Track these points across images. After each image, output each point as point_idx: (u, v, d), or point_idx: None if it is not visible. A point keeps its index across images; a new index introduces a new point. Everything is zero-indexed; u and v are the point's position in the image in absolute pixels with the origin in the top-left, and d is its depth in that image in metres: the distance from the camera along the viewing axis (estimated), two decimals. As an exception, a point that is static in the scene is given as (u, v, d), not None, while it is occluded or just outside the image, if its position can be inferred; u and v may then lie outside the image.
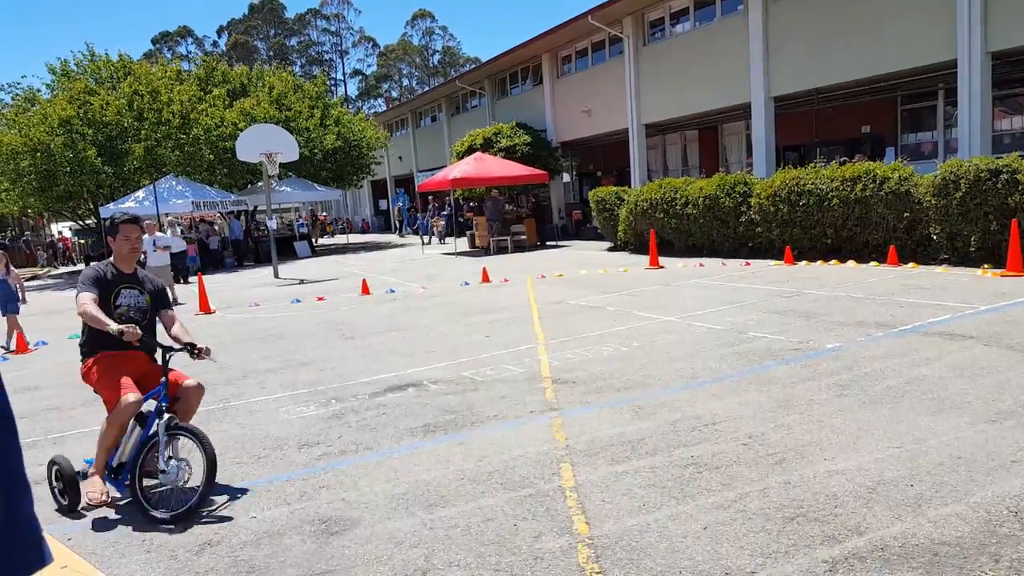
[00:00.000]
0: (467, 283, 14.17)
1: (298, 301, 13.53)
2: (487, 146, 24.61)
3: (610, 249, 19.38)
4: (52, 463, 4.35)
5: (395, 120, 43.00)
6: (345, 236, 40.63)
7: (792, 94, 17.79)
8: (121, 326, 4.07)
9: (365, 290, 13.82)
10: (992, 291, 8.72)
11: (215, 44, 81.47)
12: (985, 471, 3.75)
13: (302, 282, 17.37)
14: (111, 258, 4.54)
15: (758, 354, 6.61)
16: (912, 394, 5.11)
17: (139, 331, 4.10)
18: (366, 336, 9.20)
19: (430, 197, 32.55)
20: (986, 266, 10.52)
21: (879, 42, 15.10)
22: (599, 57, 24.38)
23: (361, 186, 37.73)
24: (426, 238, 29.81)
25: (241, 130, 21.70)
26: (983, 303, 8.01)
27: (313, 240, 32.18)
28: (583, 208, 25.59)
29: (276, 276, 18.75)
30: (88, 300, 4.20)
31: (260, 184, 24.08)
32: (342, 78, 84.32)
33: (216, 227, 28.22)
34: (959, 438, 4.22)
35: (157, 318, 4.58)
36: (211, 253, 24.74)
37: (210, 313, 12.73)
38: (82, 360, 4.44)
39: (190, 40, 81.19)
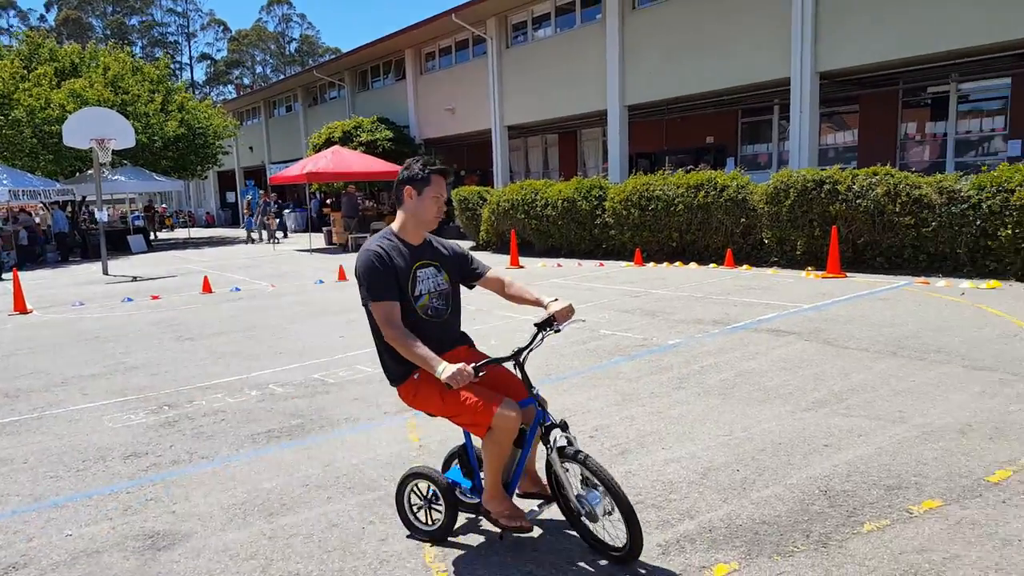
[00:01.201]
0: (322, 281, 13.73)
1: (130, 300, 12.53)
2: (346, 140, 24.00)
3: (473, 248, 19.47)
4: (414, 477, 3.38)
5: (247, 108, 40.99)
6: (187, 230, 38.20)
7: (645, 103, 18.69)
8: (452, 372, 2.78)
9: (207, 288, 13.04)
10: (814, 291, 9.56)
11: (42, 19, 74.14)
12: (801, 454, 4.09)
13: (135, 279, 16.11)
14: (394, 227, 3.15)
15: (607, 351, 6.85)
16: (742, 386, 5.49)
17: (471, 369, 2.81)
18: (206, 337, 8.66)
19: (261, 192, 31.13)
20: (810, 268, 11.54)
21: (725, 58, 16.18)
22: (463, 56, 24.48)
23: (206, 177, 35.57)
24: (255, 235, 27.56)
25: (70, 113, 19.81)
26: (806, 302, 8.77)
27: (150, 234, 29.94)
28: (447, 207, 25.55)
29: (105, 272, 17.28)
30: (396, 319, 2.94)
31: (90, 172, 22.11)
32: (188, 62, 79.44)
33: (38, 219, 25.60)
34: (780, 425, 4.57)
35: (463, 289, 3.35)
36: (23, 249, 22.17)
37: (26, 313, 11.52)
38: (395, 383, 3.19)
39: (12, 13, 73.43)
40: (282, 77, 54.06)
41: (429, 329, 3.07)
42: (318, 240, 24.19)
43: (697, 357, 6.44)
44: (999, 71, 15.16)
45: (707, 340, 7.08)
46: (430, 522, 3.35)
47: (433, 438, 4.70)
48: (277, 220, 27.86)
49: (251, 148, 38.88)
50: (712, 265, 12.87)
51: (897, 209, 10.52)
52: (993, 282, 9.36)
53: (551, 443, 3.05)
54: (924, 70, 15.55)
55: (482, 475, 3.14)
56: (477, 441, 3.16)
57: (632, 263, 13.89)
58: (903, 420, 4.56)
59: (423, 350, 2.88)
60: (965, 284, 9.41)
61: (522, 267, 14.29)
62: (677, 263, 13.46)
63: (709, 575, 2.93)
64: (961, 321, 7.28)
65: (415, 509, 3.43)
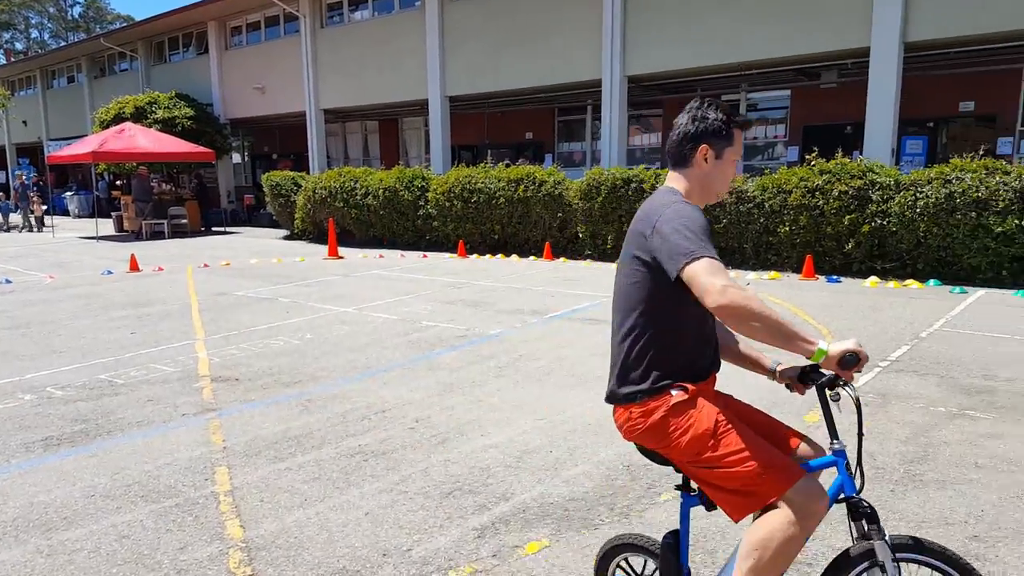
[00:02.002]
0: (110, 271, 12.48)
1: None
2: (140, 116, 21.90)
3: (287, 237, 18.66)
4: (617, 549, 2.35)
5: (19, 77, 36.26)
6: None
7: (466, 96, 18.85)
8: (850, 346, 1.84)
9: (-23, 280, 11.42)
10: (623, 281, 10.18)
11: None
12: (607, 433, 4.33)
13: None
14: (677, 188, 2.13)
15: (429, 342, 6.85)
16: (557, 372, 5.71)
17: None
18: (-25, 335, 7.57)
19: (34, 172, 27.80)
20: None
21: (542, 57, 16.71)
22: (274, 33, 23.24)
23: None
24: (21, 220, 23.72)
25: None
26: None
27: None
28: (257, 192, 24.22)
29: None
30: (730, 279, 1.82)
31: None
32: (-56, 21, 68.68)
33: None
34: (591, 408, 4.81)
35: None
36: None
37: None
38: (637, 400, 2.06)
39: None
40: (63, 44, 48.23)
41: (711, 333, 2.16)
42: (107, 227, 21.88)
43: (517, 346, 6.61)
44: (781, 83, 16.99)
45: (526, 329, 7.29)
46: None
47: (239, 439, 4.44)
48: (44, 206, 24.46)
49: (24, 122, 34.42)
50: (532, 257, 13.29)
51: (695, 206, 11.45)
52: (774, 274, 10.49)
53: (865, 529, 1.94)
54: (719, 79, 17.06)
55: None
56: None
57: (456, 255, 14.00)
58: (697, 398, 4.98)
59: (786, 317, 1.86)
60: (751, 276, 10.46)
61: (342, 257, 13.92)
62: (500, 255, 13.76)
63: (522, 553, 3.01)
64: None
65: None
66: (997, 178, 8.88)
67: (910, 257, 9.74)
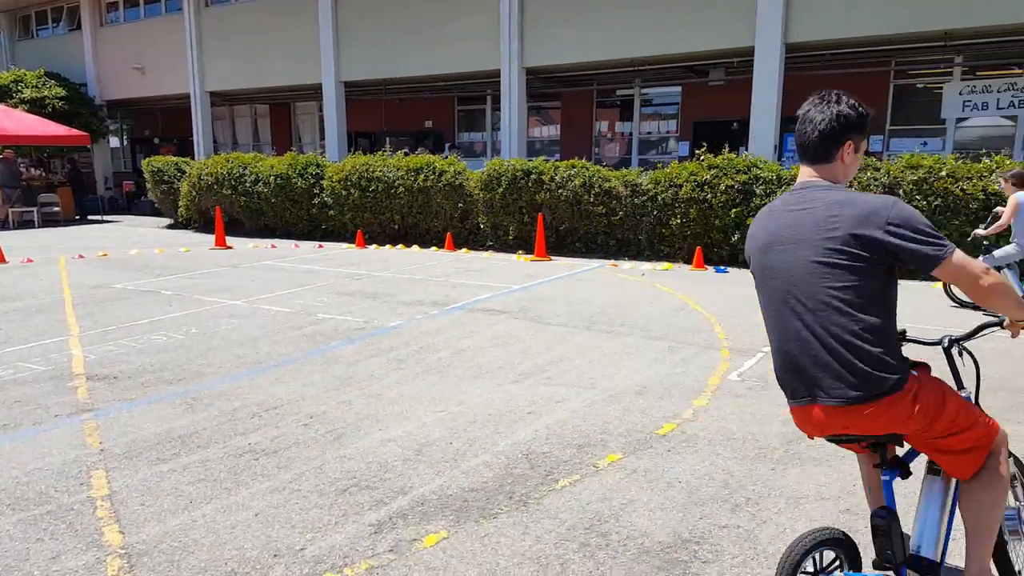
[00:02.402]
0: (-23, 264, 11.47)
1: None
2: (4, 95, 20.21)
3: (170, 226, 17.70)
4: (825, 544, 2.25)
5: None
6: None
7: (363, 81, 18.44)
8: None
9: None
10: (523, 273, 10.27)
11: None
12: (508, 423, 4.36)
13: None
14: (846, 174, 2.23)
15: (325, 335, 6.67)
16: (457, 363, 5.69)
17: None
18: None
19: None
20: (521, 252, 12.37)
21: (440, 45, 16.55)
22: (154, 9, 21.90)
23: None
24: None
25: None
26: (517, 283, 9.38)
27: None
28: (137, 179, 22.82)
29: None
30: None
31: None
32: None
33: None
34: (491, 398, 4.83)
35: None
36: None
37: None
38: (884, 392, 2.04)
39: None
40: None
41: None
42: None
43: (416, 338, 6.54)
44: (673, 80, 17.57)
45: (426, 321, 7.23)
46: None
47: (118, 440, 4.17)
48: None
49: None
50: (433, 248, 13.19)
51: (592, 199, 11.70)
52: (667, 264, 10.87)
53: None
54: (615, 74, 17.46)
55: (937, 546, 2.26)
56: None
57: (354, 245, 13.69)
58: (594, 386, 5.08)
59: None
60: (646, 266, 10.79)
61: (230, 248, 13.33)
62: (400, 245, 13.57)
63: (420, 546, 2.98)
64: (641, 298, 8.33)
65: None
66: (868, 174, 9.53)
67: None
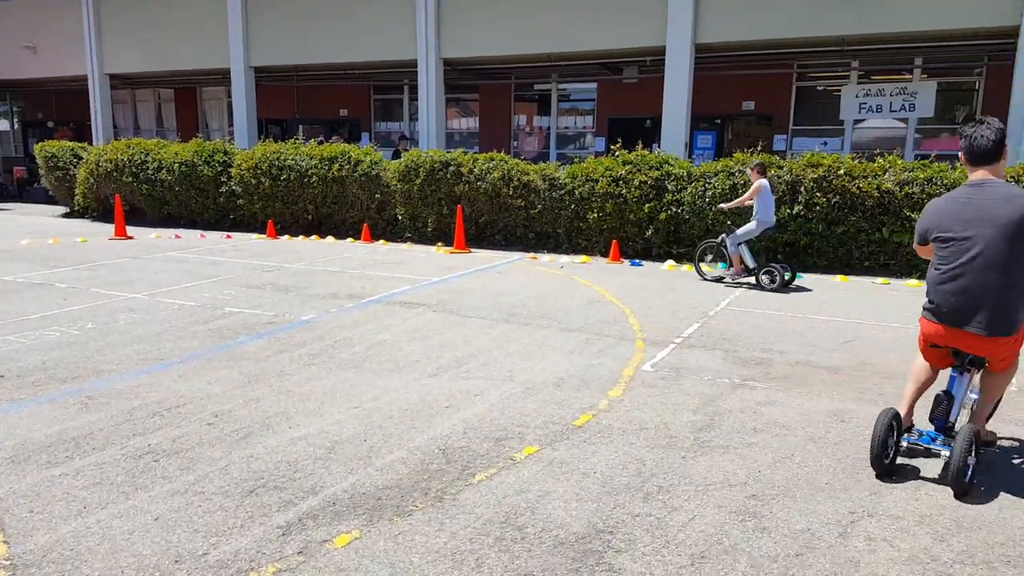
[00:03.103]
0: None
1: None
2: None
3: (66, 215, 16.65)
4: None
5: None
6: None
7: (274, 67, 17.84)
8: None
9: None
10: (443, 265, 10.19)
11: None
12: (424, 417, 4.30)
13: None
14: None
15: (233, 330, 6.41)
16: (374, 358, 5.59)
17: None
18: None
19: None
20: (440, 244, 12.27)
21: (354, 32, 16.18)
22: (49, -15, 20.51)
23: None
24: None
25: None
26: (435, 276, 9.29)
27: None
28: (30, 164, 21.35)
29: None
30: None
31: None
32: None
33: None
34: (408, 393, 4.75)
35: None
36: None
37: None
38: (1012, 330, 3.43)
39: None
40: None
41: None
42: None
43: (331, 332, 6.38)
44: (588, 76, 17.80)
45: (341, 315, 7.06)
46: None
47: (4, 443, 3.88)
48: None
49: None
50: (350, 239, 12.91)
51: (511, 192, 11.72)
52: (584, 257, 11.01)
53: None
54: (532, 68, 17.53)
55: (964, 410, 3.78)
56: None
57: (265, 235, 13.25)
58: (512, 379, 5.09)
59: None
60: (564, 259, 10.90)
61: (131, 238, 12.66)
62: (314, 236, 13.22)
63: (330, 547, 2.90)
64: (559, 291, 8.41)
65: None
66: (772, 172, 9.92)
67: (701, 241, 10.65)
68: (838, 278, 9.25)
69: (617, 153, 11.23)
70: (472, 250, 11.68)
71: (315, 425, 4.20)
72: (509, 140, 19.18)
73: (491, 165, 11.92)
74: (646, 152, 11.20)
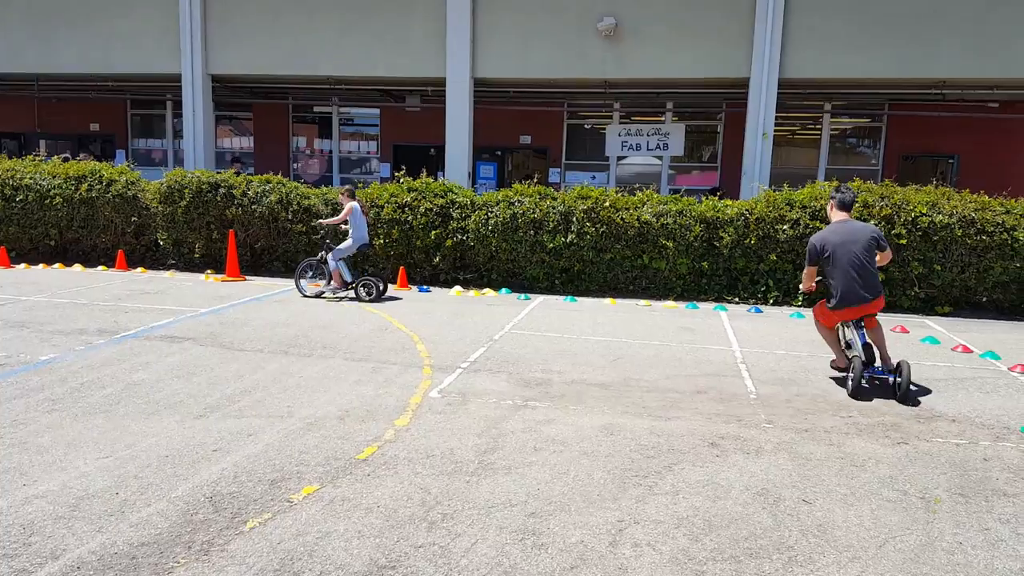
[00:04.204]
0: None
1: None
2: None
3: None
4: None
5: None
6: None
7: (7, 74, 15.66)
8: None
9: None
10: (213, 295, 9.47)
11: None
12: (189, 463, 3.92)
13: None
14: None
15: (-51, 374, 5.43)
16: (129, 400, 5.01)
17: None
18: None
19: None
20: (209, 271, 11.40)
21: (106, 39, 14.72)
22: None
23: None
24: None
25: None
26: (204, 306, 8.60)
27: None
28: None
29: None
30: None
31: None
32: None
33: None
34: (169, 437, 4.31)
35: None
36: None
37: None
38: (880, 295, 5.89)
39: None
40: None
41: None
42: None
43: (76, 373, 5.63)
44: (370, 102, 17.73)
45: (89, 352, 6.27)
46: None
47: None
48: None
49: None
50: (101, 267, 11.56)
51: (290, 216, 11.24)
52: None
53: None
54: (311, 90, 17.09)
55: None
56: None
57: (-6, 264, 11.46)
58: (291, 414, 4.83)
59: None
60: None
61: None
62: (58, 264, 11.66)
63: (73, 624, 2.53)
64: (344, 319, 8.18)
65: None
66: (548, 202, 10.51)
67: (486, 268, 10.95)
68: (608, 300, 9.99)
69: (402, 180, 11.26)
70: (247, 278, 11.01)
71: (56, 480, 3.66)
72: (288, 162, 18.49)
73: (267, 188, 11.36)
74: (431, 180, 11.35)
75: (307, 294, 9.65)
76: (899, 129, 16.11)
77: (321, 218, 11.06)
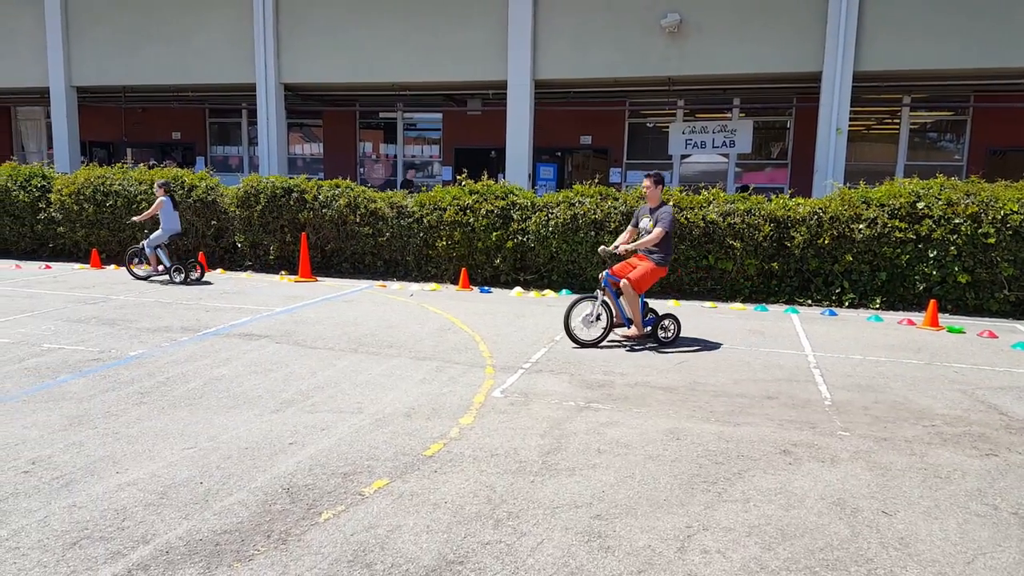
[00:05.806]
0: None
1: None
2: None
3: None
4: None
5: None
6: None
7: (98, 87, 16.58)
8: None
9: None
10: (287, 295, 9.84)
11: None
12: (267, 455, 4.13)
13: None
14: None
15: (52, 368, 5.84)
16: (211, 394, 5.29)
17: None
18: None
19: None
20: (283, 273, 11.83)
21: (187, 53, 15.42)
22: None
23: None
24: None
25: None
26: (279, 306, 8.95)
27: None
28: None
29: None
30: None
31: None
32: None
33: None
34: (248, 430, 4.54)
35: None
36: None
37: None
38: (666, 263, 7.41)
39: None
40: None
41: None
42: None
43: (163, 368, 5.97)
44: (433, 107, 18.03)
45: (174, 349, 6.63)
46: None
47: None
48: None
49: None
50: (183, 269, 12.13)
51: (357, 220, 11.57)
52: (435, 285, 11.05)
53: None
54: (377, 96, 17.50)
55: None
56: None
57: (88, 265, 12.17)
58: (361, 410, 5.01)
59: None
60: (414, 287, 10.88)
61: (-75, 270, 11.20)
62: (144, 265, 12.29)
63: (166, 603, 2.71)
64: (409, 319, 8.38)
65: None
66: (609, 203, 10.50)
67: (546, 269, 11.02)
68: (671, 302, 9.91)
69: (463, 182, 11.43)
70: (318, 278, 11.38)
71: (146, 469, 3.91)
72: (355, 166, 18.96)
73: (336, 192, 11.72)
74: (491, 182, 11.48)
75: (138, 276, 10.88)
76: (985, 121, 15.39)
77: (383, 220, 11.35)
